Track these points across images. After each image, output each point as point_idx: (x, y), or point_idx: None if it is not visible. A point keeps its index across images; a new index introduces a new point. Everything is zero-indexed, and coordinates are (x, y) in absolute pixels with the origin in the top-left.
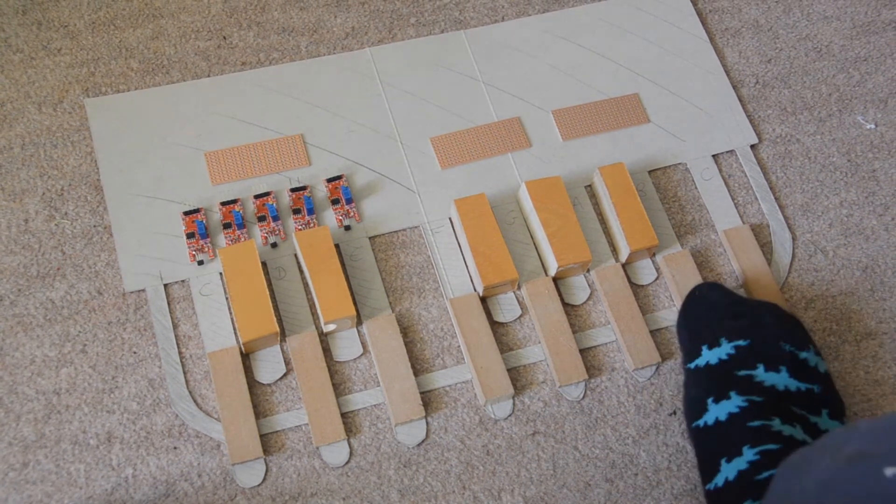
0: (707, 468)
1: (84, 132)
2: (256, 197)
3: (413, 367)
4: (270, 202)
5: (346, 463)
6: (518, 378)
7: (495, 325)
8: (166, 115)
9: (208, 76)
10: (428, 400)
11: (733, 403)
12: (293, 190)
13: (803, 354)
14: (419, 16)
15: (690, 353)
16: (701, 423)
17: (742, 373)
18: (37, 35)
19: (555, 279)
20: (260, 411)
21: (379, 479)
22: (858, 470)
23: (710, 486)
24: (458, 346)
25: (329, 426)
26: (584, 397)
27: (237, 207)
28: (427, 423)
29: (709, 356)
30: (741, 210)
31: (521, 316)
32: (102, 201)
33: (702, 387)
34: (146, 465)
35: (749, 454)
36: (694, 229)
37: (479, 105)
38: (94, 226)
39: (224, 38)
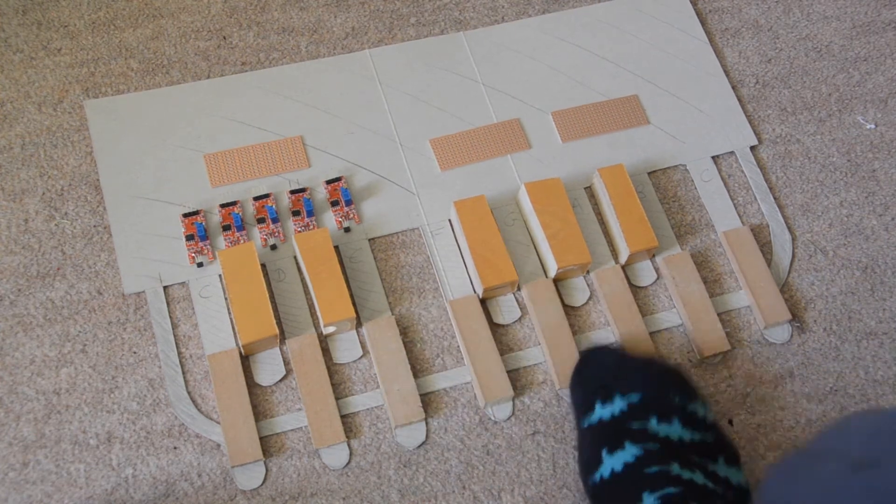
0: None
1: (84, 132)
2: (256, 199)
3: (413, 368)
4: (270, 204)
5: (346, 465)
6: (518, 379)
7: (495, 327)
8: (166, 117)
9: (208, 76)
10: (428, 401)
11: (629, 453)
12: (293, 192)
13: (692, 406)
14: (419, 16)
15: (584, 411)
16: (597, 477)
17: (636, 425)
18: (37, 35)
19: (554, 281)
20: (259, 413)
21: (379, 478)
22: (870, 479)
23: None
24: (458, 347)
25: (329, 428)
26: None
27: (237, 209)
28: (427, 424)
29: (602, 412)
30: (741, 211)
31: (520, 317)
32: (102, 201)
33: (596, 441)
34: (146, 465)
35: (649, 500)
36: (693, 230)
37: (479, 107)
38: (94, 226)
39: (224, 38)
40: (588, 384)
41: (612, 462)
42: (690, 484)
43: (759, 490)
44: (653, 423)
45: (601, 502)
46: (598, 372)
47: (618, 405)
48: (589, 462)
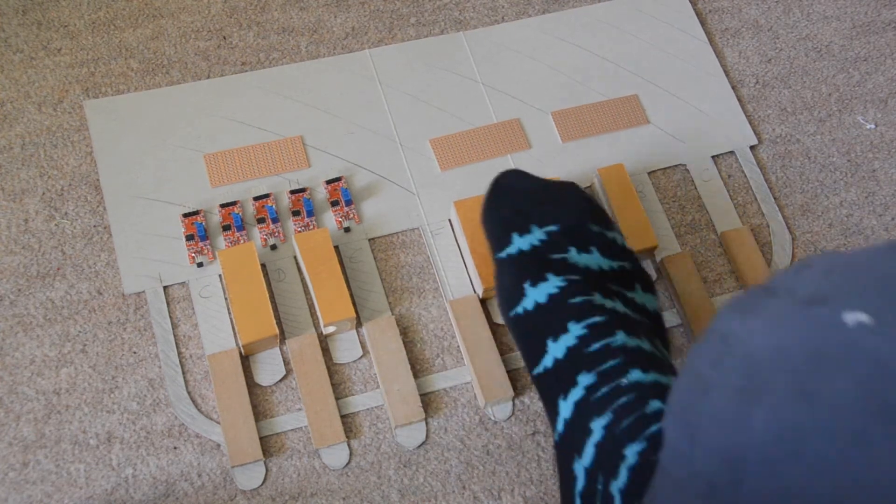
0: (532, 353)
1: (84, 132)
2: (256, 199)
3: (413, 368)
4: (270, 204)
5: (346, 465)
6: (518, 379)
7: (495, 327)
8: (165, 117)
9: (208, 76)
10: (428, 401)
11: (551, 284)
12: (293, 192)
13: (610, 234)
14: (419, 16)
15: (500, 241)
16: (520, 309)
17: (556, 256)
18: (37, 35)
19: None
20: (259, 413)
21: (379, 478)
22: (815, 314)
23: (539, 369)
24: (458, 347)
25: (329, 428)
26: None
27: (236, 209)
28: (427, 424)
29: (520, 243)
30: (741, 211)
31: None
32: (102, 201)
33: (516, 273)
34: (146, 465)
35: (576, 329)
36: (693, 230)
37: (479, 107)
38: (94, 226)
39: (224, 38)
40: (503, 212)
41: (535, 294)
42: (613, 312)
43: (710, 323)
44: (572, 253)
45: (524, 334)
46: (512, 199)
47: (536, 235)
48: (510, 295)
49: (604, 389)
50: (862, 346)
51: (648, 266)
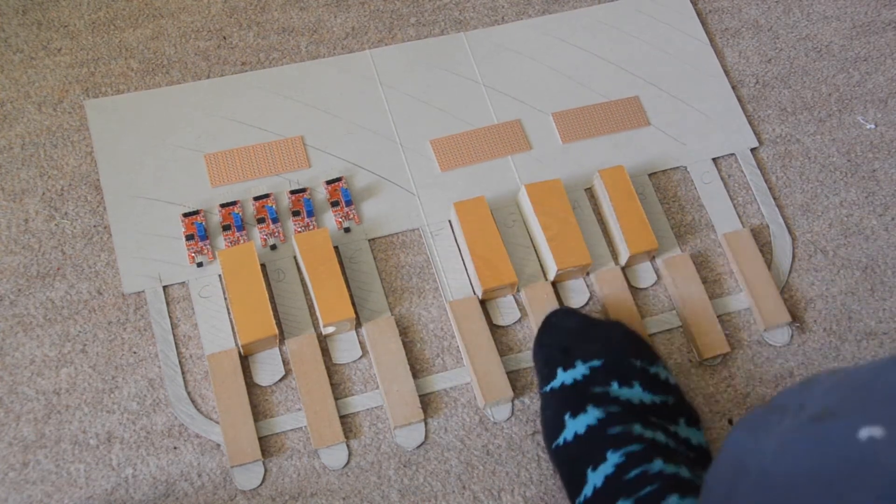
0: (573, 483)
1: (84, 132)
2: (256, 199)
3: (412, 368)
4: (270, 204)
5: (346, 465)
6: (518, 380)
7: (494, 328)
8: (166, 117)
9: (208, 76)
10: (427, 402)
11: (591, 416)
12: (293, 192)
13: (653, 369)
14: (419, 16)
15: (546, 377)
16: (560, 441)
17: (597, 389)
18: (37, 35)
19: (554, 282)
20: (259, 413)
21: (379, 478)
22: (827, 430)
23: (580, 499)
24: (458, 347)
25: (328, 429)
26: None
27: (236, 209)
28: (426, 425)
29: (564, 377)
30: (741, 212)
31: (520, 319)
32: (102, 201)
33: (558, 406)
34: (146, 465)
35: (614, 458)
36: (694, 232)
37: (479, 107)
38: (94, 226)
39: (224, 38)
40: (550, 349)
41: (576, 425)
42: (653, 442)
43: (724, 445)
44: (614, 387)
45: (565, 465)
46: (559, 336)
47: (579, 370)
48: (552, 427)
49: None
50: (877, 460)
51: (648, 267)
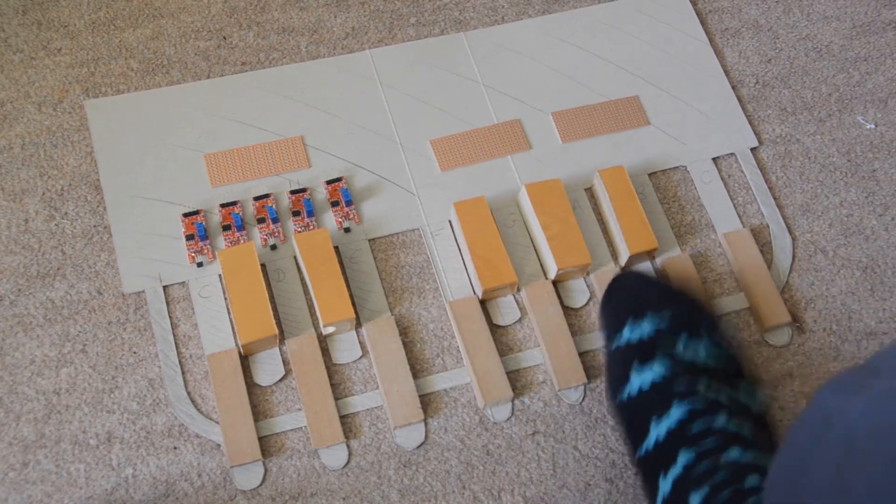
0: (636, 436)
1: (84, 132)
2: (256, 199)
3: (412, 368)
4: (270, 204)
5: (345, 465)
6: (518, 380)
7: (494, 328)
8: (166, 117)
9: (208, 76)
10: (427, 402)
11: (656, 373)
12: (293, 192)
13: (716, 335)
14: (419, 16)
15: (615, 331)
16: (625, 395)
17: (665, 344)
18: (37, 35)
19: (554, 282)
20: (259, 413)
21: (379, 478)
22: None
23: (642, 451)
24: (458, 347)
25: (328, 429)
26: (583, 400)
27: (237, 209)
28: (426, 425)
29: (631, 334)
30: (741, 212)
31: (520, 319)
32: (102, 201)
33: (625, 362)
34: (146, 465)
35: (678, 412)
36: (694, 232)
37: (479, 107)
38: (94, 226)
39: (224, 38)
40: (618, 306)
41: (641, 380)
42: (716, 402)
43: (811, 402)
44: (680, 346)
45: (629, 416)
46: (628, 295)
47: (647, 327)
48: (616, 382)
49: (702, 466)
50: None
51: (649, 267)
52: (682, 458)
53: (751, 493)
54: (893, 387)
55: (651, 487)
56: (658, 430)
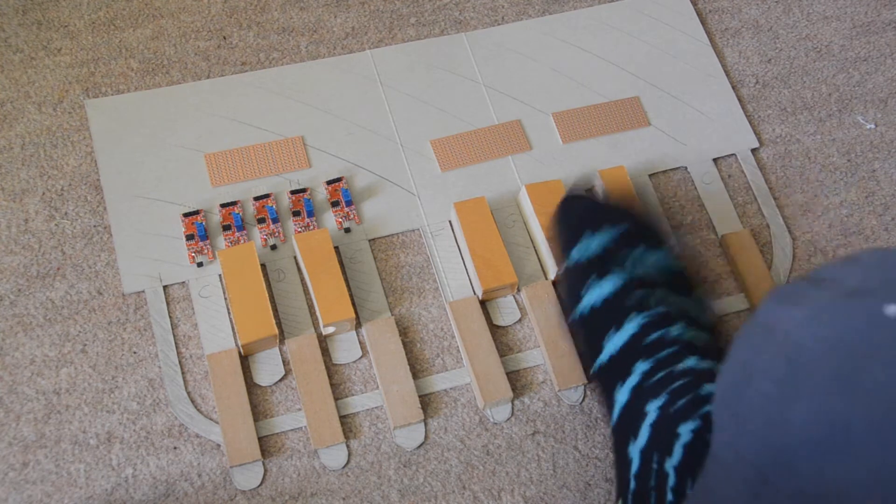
0: (592, 348)
1: (84, 132)
2: (256, 199)
3: (412, 368)
4: (270, 204)
5: (345, 465)
6: (518, 380)
7: (494, 329)
8: (166, 117)
9: (208, 76)
10: (427, 402)
11: (607, 289)
12: (293, 192)
13: (665, 250)
14: (419, 16)
15: (570, 247)
16: (577, 314)
17: (614, 264)
18: (37, 35)
19: (554, 283)
20: (259, 413)
21: (379, 478)
22: (855, 306)
23: (597, 365)
24: (458, 348)
25: (328, 429)
26: (583, 400)
27: (237, 209)
28: (426, 425)
29: (580, 255)
30: (740, 212)
31: (520, 319)
32: (102, 201)
33: (577, 281)
34: (146, 465)
35: (632, 324)
36: (694, 233)
37: (480, 107)
38: (94, 226)
39: (224, 38)
40: (566, 229)
41: (593, 297)
42: (673, 307)
43: (755, 310)
44: (630, 262)
45: (584, 335)
46: (576, 217)
47: (596, 245)
48: (570, 301)
49: (659, 374)
50: None
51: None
52: (639, 368)
53: (707, 400)
54: (834, 298)
55: (609, 400)
56: (613, 343)
